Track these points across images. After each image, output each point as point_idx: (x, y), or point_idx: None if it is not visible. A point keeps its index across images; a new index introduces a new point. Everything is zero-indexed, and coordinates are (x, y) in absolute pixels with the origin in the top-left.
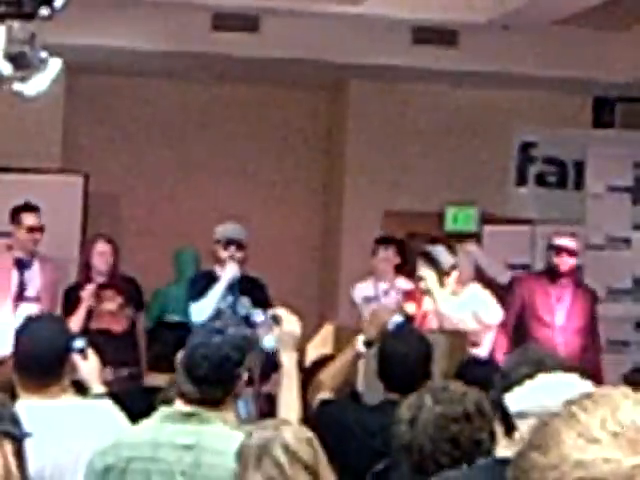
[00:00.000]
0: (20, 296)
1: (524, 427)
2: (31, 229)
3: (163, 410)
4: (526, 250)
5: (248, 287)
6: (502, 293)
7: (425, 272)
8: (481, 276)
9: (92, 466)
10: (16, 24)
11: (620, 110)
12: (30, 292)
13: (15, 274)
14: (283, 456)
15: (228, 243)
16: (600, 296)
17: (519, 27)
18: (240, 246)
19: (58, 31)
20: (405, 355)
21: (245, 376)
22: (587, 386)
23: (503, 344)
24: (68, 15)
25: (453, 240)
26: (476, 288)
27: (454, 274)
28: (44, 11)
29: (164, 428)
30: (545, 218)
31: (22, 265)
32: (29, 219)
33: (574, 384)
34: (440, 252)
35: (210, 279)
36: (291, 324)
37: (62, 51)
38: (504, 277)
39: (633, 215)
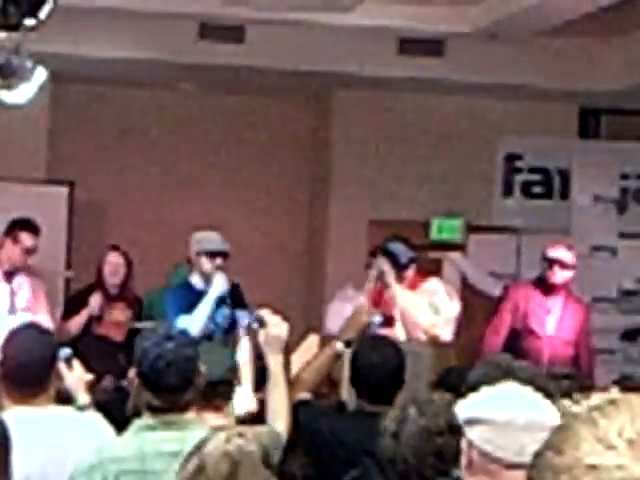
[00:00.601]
0: (11, 308)
1: (472, 434)
2: (27, 251)
3: (138, 422)
4: (512, 260)
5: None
6: (490, 304)
7: (385, 266)
8: (467, 286)
9: None
10: (1, 34)
11: (606, 121)
12: (20, 303)
13: (5, 286)
14: (192, 466)
15: (214, 255)
16: None
17: (505, 37)
18: (225, 257)
19: (44, 40)
20: (378, 365)
21: (203, 368)
22: (538, 398)
23: (496, 350)
24: (54, 24)
25: (438, 250)
26: (435, 282)
27: (412, 267)
28: (29, 22)
29: (146, 438)
30: (531, 228)
31: (10, 276)
32: (28, 240)
33: (523, 394)
34: (398, 247)
35: (192, 293)
36: (277, 326)
37: (48, 60)
38: (493, 288)
39: (618, 225)
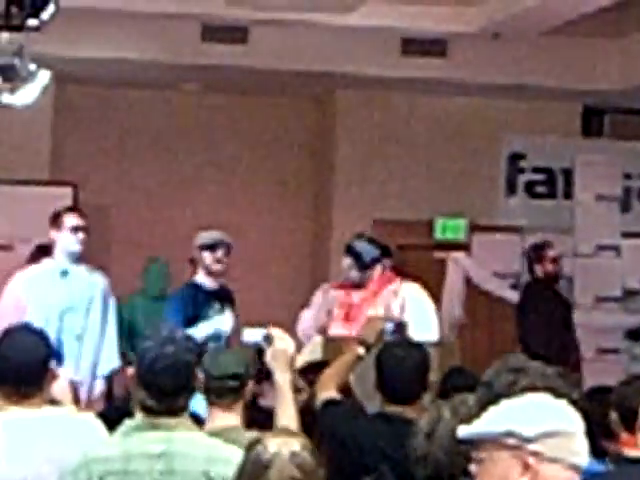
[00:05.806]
0: None
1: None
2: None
3: (128, 423)
4: (515, 259)
5: (220, 298)
6: (494, 304)
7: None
8: (471, 287)
9: None
10: (4, 36)
11: (609, 119)
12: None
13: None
14: None
15: (213, 247)
16: (589, 305)
17: (508, 37)
18: (227, 250)
19: (46, 42)
20: (406, 366)
21: (200, 375)
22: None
23: None
24: (56, 26)
25: (442, 250)
26: (406, 286)
27: (377, 268)
28: (32, 22)
29: (133, 439)
30: (534, 227)
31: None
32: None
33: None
34: (363, 246)
35: (200, 292)
36: (284, 343)
37: (51, 62)
38: (499, 289)
39: (622, 224)
